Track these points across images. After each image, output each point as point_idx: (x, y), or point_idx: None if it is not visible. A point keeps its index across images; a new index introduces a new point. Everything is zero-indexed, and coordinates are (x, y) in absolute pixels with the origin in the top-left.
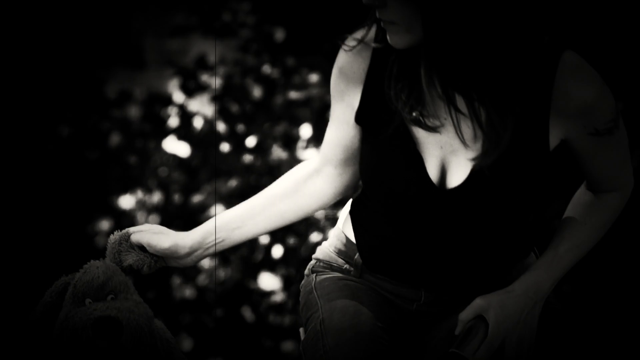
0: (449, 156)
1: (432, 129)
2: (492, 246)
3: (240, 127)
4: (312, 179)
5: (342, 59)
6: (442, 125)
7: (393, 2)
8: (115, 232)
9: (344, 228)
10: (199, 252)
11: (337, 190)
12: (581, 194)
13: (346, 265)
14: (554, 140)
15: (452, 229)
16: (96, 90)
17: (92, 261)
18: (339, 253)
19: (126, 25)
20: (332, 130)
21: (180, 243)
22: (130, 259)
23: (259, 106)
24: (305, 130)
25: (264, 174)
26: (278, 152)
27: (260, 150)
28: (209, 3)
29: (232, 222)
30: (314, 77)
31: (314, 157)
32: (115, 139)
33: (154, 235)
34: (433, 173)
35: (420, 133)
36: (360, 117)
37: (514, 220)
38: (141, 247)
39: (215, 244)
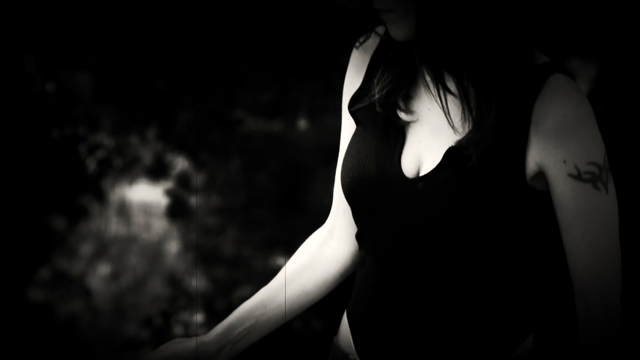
0: (424, 151)
1: (400, 120)
2: (471, 290)
3: None
4: (326, 242)
5: (353, 57)
6: (417, 120)
7: None
8: None
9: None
10: (228, 347)
11: (353, 246)
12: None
13: None
14: (531, 165)
15: (421, 235)
16: None
17: None
18: None
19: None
20: (341, 156)
21: (206, 340)
22: None
23: None
24: None
25: None
26: None
27: None
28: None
29: (255, 310)
30: None
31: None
32: None
33: (176, 345)
34: (407, 166)
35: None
36: (352, 106)
37: (487, 251)
38: None
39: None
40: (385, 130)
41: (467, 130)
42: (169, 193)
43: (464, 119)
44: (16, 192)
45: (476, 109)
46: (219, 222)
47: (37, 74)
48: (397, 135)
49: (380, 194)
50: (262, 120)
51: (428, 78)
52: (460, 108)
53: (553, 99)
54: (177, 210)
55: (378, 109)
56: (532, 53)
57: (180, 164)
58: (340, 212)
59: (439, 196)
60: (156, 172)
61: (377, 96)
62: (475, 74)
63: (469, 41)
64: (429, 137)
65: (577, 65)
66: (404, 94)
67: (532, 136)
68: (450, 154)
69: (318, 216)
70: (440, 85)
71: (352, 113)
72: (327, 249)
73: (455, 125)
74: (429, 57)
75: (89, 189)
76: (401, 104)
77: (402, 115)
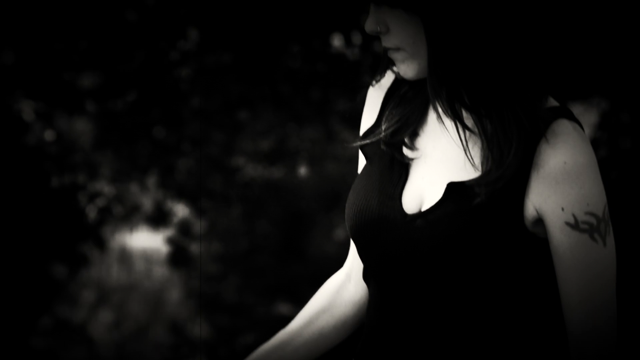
0: (427, 187)
1: (405, 157)
2: (475, 331)
3: None
4: (344, 285)
5: (369, 94)
6: (422, 156)
7: (395, 26)
8: None
9: None
10: None
11: None
12: None
13: None
14: (530, 209)
15: (420, 269)
16: None
17: None
18: None
19: None
20: None
21: None
22: None
23: None
24: None
25: None
26: None
27: None
28: None
29: (273, 352)
30: None
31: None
32: None
33: None
34: (409, 202)
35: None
36: (362, 142)
37: (489, 293)
38: None
39: None
40: (390, 166)
41: (483, 167)
42: (169, 240)
43: (482, 156)
44: (17, 241)
45: (496, 146)
46: (221, 269)
47: (35, 122)
48: (400, 171)
49: (381, 229)
50: (262, 167)
51: (443, 115)
52: (478, 145)
53: (555, 144)
54: (178, 257)
55: (382, 146)
56: (544, 94)
57: (181, 211)
58: (357, 254)
59: (437, 232)
60: (157, 220)
61: (382, 134)
62: (492, 110)
63: (485, 77)
64: (433, 174)
65: (578, 112)
66: (410, 132)
67: (533, 180)
68: (451, 190)
69: (319, 262)
70: (459, 123)
71: (362, 148)
72: (346, 293)
73: (475, 163)
74: (444, 94)
75: (90, 236)
76: (407, 141)
77: (407, 152)
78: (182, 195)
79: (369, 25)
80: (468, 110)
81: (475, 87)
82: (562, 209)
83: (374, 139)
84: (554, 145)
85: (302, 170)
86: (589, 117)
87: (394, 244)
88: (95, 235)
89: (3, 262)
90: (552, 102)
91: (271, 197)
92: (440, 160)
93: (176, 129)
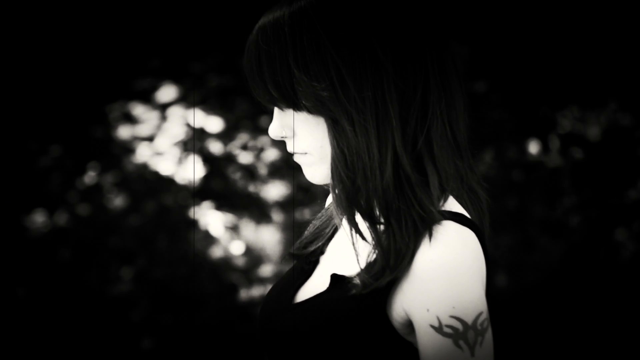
0: (319, 285)
1: (307, 264)
2: None
3: None
4: None
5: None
6: (327, 259)
7: (302, 130)
8: None
9: None
10: None
11: None
12: None
13: None
14: (399, 310)
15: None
16: None
17: None
18: None
19: None
20: None
21: None
22: None
23: None
24: None
25: None
26: None
27: None
28: None
29: None
30: None
31: None
32: None
33: None
34: (301, 296)
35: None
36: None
37: None
38: None
39: None
40: (301, 269)
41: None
42: None
43: (377, 262)
44: (201, 354)
45: (393, 252)
46: None
47: (222, 234)
48: (307, 270)
49: (271, 317)
50: None
51: (344, 220)
52: (372, 250)
53: (427, 242)
54: None
55: (293, 259)
56: (445, 196)
57: None
58: None
59: (310, 316)
60: None
61: (296, 247)
62: (391, 215)
63: (385, 183)
64: (328, 273)
65: None
66: (325, 240)
67: (402, 279)
68: (334, 281)
69: None
70: (353, 228)
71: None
72: None
73: (363, 267)
74: (343, 197)
75: None
76: (316, 249)
77: (316, 257)
78: None
79: (273, 130)
80: (363, 215)
81: (372, 193)
82: (427, 310)
83: (292, 251)
84: (426, 244)
85: (501, 279)
86: None
87: (277, 328)
88: None
89: None
90: (453, 205)
91: None
92: (336, 263)
93: None
